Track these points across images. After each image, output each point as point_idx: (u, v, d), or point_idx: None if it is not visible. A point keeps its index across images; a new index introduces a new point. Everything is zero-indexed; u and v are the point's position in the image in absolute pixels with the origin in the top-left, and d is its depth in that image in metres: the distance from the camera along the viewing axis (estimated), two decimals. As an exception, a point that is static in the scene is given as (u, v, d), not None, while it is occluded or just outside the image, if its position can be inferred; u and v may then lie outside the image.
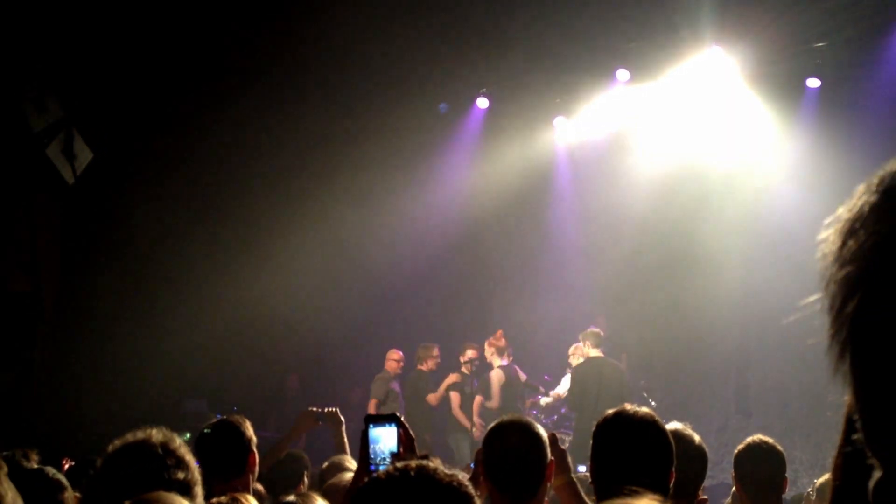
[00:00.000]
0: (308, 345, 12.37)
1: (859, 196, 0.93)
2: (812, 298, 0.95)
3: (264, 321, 12.32)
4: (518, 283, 13.24)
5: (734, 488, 4.96)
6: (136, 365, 11.03)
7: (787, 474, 4.07)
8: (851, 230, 0.89)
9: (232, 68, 11.45)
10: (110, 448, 2.66)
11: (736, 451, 4.03)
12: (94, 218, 12.34)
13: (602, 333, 10.41)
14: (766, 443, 3.99)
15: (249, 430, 3.95)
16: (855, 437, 0.85)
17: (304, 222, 12.66)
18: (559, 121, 12.99)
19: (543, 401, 10.98)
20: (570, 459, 3.51)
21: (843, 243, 0.89)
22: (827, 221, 0.95)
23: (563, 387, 10.69)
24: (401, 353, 11.26)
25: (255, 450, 3.92)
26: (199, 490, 2.59)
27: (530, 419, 3.34)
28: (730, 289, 12.09)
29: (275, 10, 10.73)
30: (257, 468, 3.99)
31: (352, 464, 4.73)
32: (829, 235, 0.94)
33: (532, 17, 10.64)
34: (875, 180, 0.93)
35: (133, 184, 12.30)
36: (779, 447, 4.00)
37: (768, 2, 10.14)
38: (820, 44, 10.69)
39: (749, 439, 4.10)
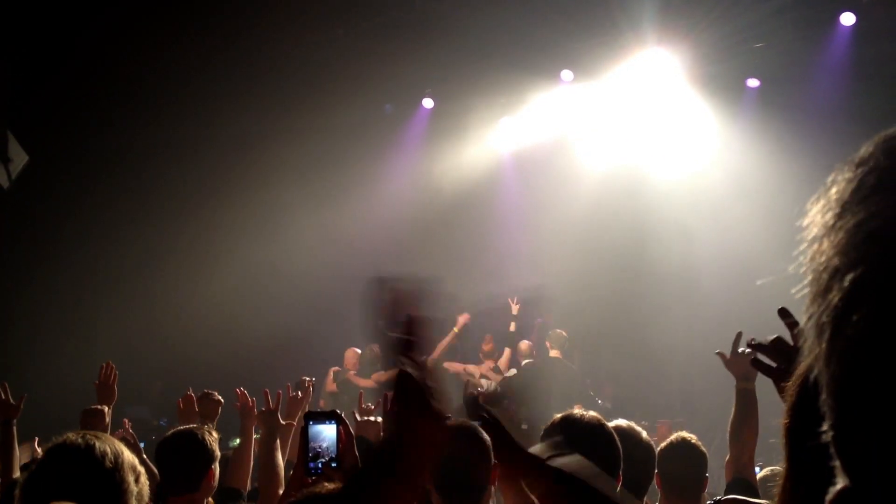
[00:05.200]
0: (251, 349, 12.20)
1: (860, 161, 0.73)
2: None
3: (206, 325, 12.14)
4: (463, 282, 13.22)
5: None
6: (72, 371, 10.77)
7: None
8: (850, 209, 0.70)
9: (171, 68, 11.27)
10: (48, 448, 2.57)
11: (658, 449, 4.06)
12: (27, 222, 12.07)
13: (565, 334, 10.68)
14: (687, 441, 4.04)
15: (213, 444, 3.77)
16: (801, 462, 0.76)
17: (246, 223, 12.51)
18: (504, 121, 13.02)
19: (486, 383, 10.98)
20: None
21: (839, 229, 0.70)
22: (813, 198, 0.75)
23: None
24: (358, 350, 11.18)
25: (216, 466, 3.75)
26: (134, 500, 2.50)
27: (475, 424, 3.30)
28: (674, 286, 12.22)
29: (217, 9, 10.59)
30: (216, 482, 3.82)
31: None
32: (814, 217, 0.74)
33: (477, 17, 10.64)
34: (882, 139, 0.73)
35: (67, 187, 12.05)
36: (701, 446, 4.05)
37: (708, 3, 10.27)
38: (759, 44, 10.86)
39: (672, 437, 4.15)
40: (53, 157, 11.42)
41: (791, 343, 2.21)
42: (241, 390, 4.99)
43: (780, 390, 2.17)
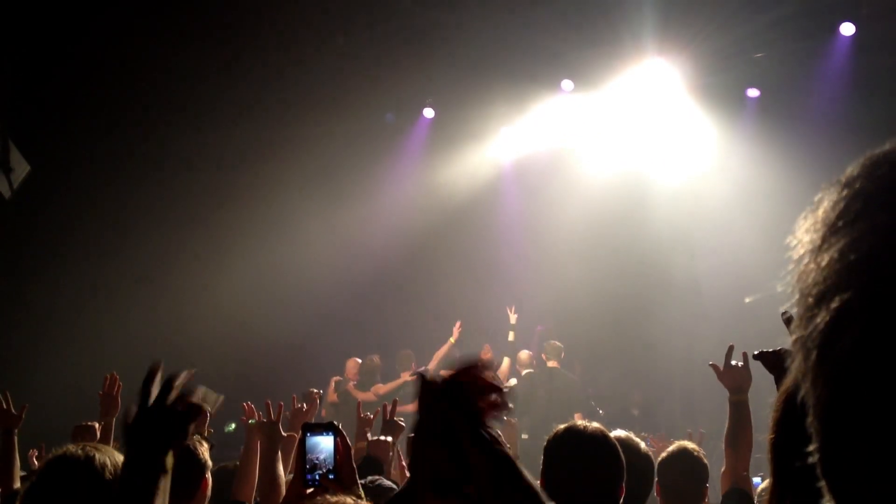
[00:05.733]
0: (257, 356, 12.21)
1: (846, 182, 0.72)
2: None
3: (211, 333, 12.13)
4: (466, 291, 13.22)
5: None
6: (75, 381, 10.78)
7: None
8: (836, 232, 0.70)
9: (174, 78, 11.29)
10: (48, 460, 2.58)
11: (658, 459, 4.08)
12: (32, 231, 12.07)
13: (560, 344, 10.67)
14: (688, 451, 4.05)
15: (205, 454, 3.76)
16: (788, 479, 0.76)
17: (250, 232, 12.51)
18: (505, 130, 13.04)
19: None
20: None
21: (825, 251, 0.70)
22: (800, 216, 0.74)
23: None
24: (359, 360, 11.20)
25: (208, 476, 3.76)
26: None
27: None
28: (675, 294, 12.22)
29: (220, 20, 10.62)
30: (209, 492, 3.82)
31: None
32: (801, 236, 0.74)
33: (478, 27, 10.67)
34: (869, 161, 0.72)
35: (71, 196, 12.06)
36: (702, 456, 4.06)
37: (708, 14, 10.30)
38: (759, 55, 10.89)
39: (672, 447, 4.16)
40: (57, 165, 11.42)
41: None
42: (248, 405, 5.02)
43: (778, 383, 2.20)
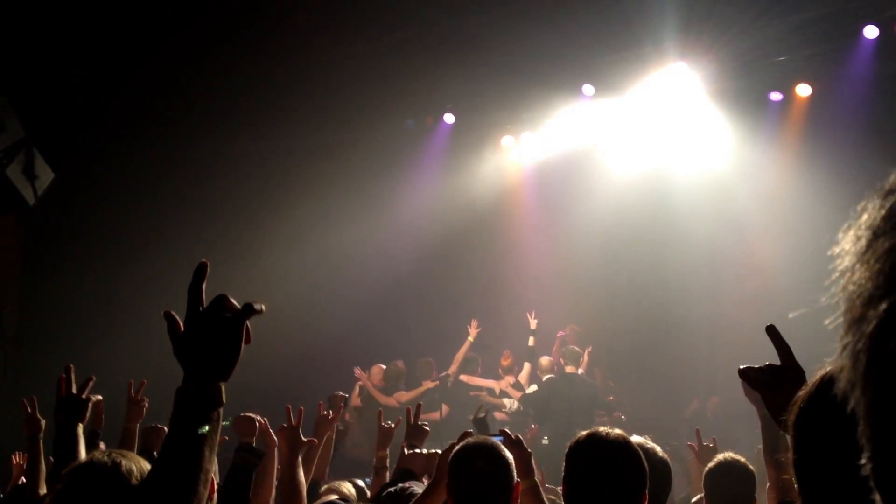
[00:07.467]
0: (279, 363, 12.24)
1: (890, 189, 0.72)
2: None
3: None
4: (486, 297, 13.22)
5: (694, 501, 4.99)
6: (101, 386, 10.84)
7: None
8: (882, 235, 0.69)
9: (196, 86, 11.36)
10: (74, 467, 2.61)
11: (707, 468, 4.06)
12: (55, 238, 12.18)
13: (579, 350, 10.64)
14: (737, 461, 4.02)
15: None
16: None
17: (271, 241, 12.55)
18: (526, 136, 13.03)
19: (508, 402, 10.99)
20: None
21: (871, 255, 0.69)
22: (843, 227, 0.73)
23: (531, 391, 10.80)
24: (384, 367, 11.25)
25: (214, 478, 3.78)
26: None
27: (496, 441, 3.32)
28: (697, 301, 12.15)
29: (241, 26, 10.67)
30: (216, 495, 3.83)
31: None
32: (845, 246, 0.72)
33: (498, 33, 10.66)
34: None
35: (95, 203, 12.16)
36: (750, 466, 4.02)
37: (730, 18, 10.24)
38: (781, 58, 10.82)
39: (720, 456, 4.13)
40: (78, 174, 11.52)
41: (780, 364, 2.22)
42: (263, 421, 5.09)
43: (766, 400, 2.18)
